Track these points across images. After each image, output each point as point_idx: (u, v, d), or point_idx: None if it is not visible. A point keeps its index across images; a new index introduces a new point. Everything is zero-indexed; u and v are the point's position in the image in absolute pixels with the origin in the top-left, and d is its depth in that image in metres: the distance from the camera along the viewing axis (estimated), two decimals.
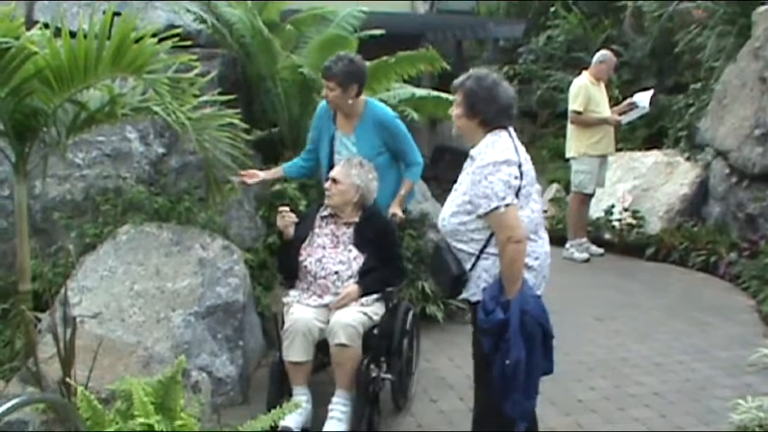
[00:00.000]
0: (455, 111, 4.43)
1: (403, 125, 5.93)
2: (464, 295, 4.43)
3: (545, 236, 4.48)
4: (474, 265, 4.32)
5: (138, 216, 6.41)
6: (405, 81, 8.27)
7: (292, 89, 7.77)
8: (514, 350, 4.10)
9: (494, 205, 4.13)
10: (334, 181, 5.48)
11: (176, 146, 6.91)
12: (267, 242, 7.07)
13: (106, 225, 6.37)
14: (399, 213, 5.77)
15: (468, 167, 4.38)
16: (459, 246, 4.35)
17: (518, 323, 4.10)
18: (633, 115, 10.45)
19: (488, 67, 16.33)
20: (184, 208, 6.55)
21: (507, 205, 4.13)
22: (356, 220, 5.48)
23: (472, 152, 4.35)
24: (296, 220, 5.53)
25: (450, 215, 4.37)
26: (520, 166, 4.24)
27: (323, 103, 6.05)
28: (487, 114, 4.33)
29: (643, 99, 10.30)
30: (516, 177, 4.20)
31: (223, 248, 6.16)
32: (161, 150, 6.90)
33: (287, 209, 5.57)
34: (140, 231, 6.17)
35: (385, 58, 7.68)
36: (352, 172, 5.49)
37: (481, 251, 4.29)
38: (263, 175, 6.17)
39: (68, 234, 6.41)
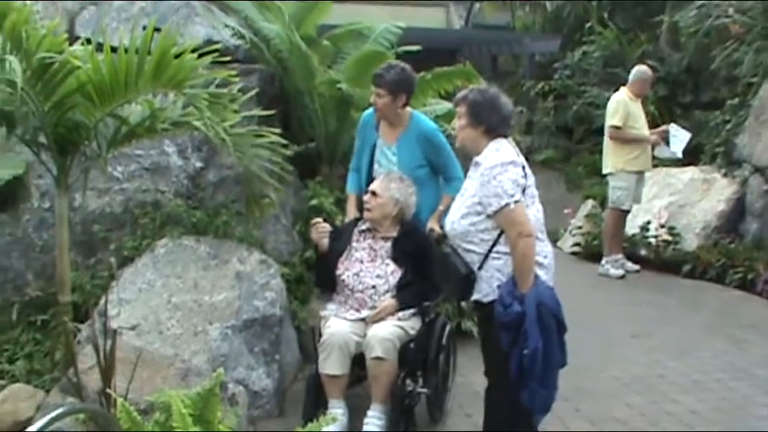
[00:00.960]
0: (459, 122, 4.63)
1: (445, 140, 5.93)
2: (476, 296, 4.56)
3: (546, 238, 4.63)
4: (483, 266, 4.47)
5: (177, 229, 6.44)
6: (441, 97, 8.27)
7: (329, 104, 7.79)
8: (531, 340, 4.26)
9: (504, 202, 4.33)
10: (374, 194, 5.50)
11: (214, 160, 6.94)
12: (304, 256, 7.09)
13: (144, 238, 6.41)
14: (437, 228, 5.72)
15: (473, 173, 4.59)
16: (469, 247, 4.51)
17: (535, 314, 4.27)
18: (665, 153, 10.39)
19: (524, 83, 16.43)
20: (222, 222, 6.56)
21: (516, 202, 4.34)
22: (394, 234, 5.50)
23: (477, 158, 4.57)
24: (329, 229, 5.56)
25: (461, 217, 4.53)
26: (524, 167, 4.48)
27: (367, 111, 6.09)
28: (491, 123, 4.55)
29: (678, 138, 10.21)
30: (523, 177, 4.43)
31: (260, 262, 6.18)
32: (199, 164, 6.92)
33: (320, 220, 5.62)
34: (178, 245, 6.21)
35: (422, 73, 7.63)
36: (391, 186, 5.51)
37: (490, 251, 4.44)
38: (352, 212, 6.10)
39: (107, 247, 6.44)
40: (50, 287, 6.00)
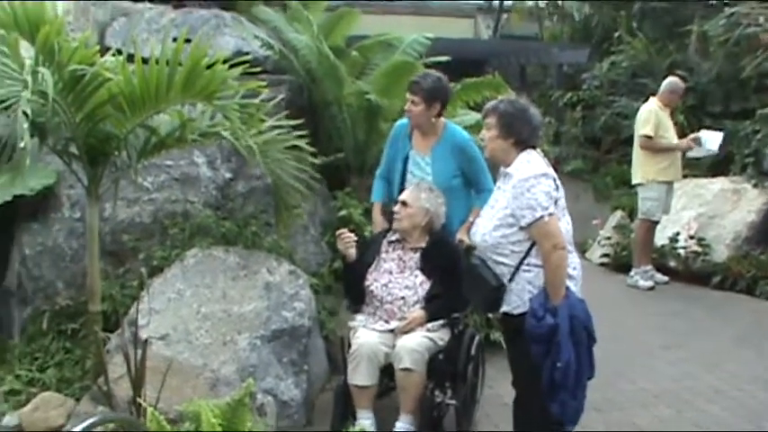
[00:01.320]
0: (489, 133, 4.62)
1: (479, 151, 5.85)
2: (505, 309, 4.56)
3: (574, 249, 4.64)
4: (513, 278, 4.48)
5: (206, 240, 6.45)
6: (469, 107, 8.28)
7: (358, 115, 7.82)
8: (564, 353, 4.28)
9: (538, 215, 4.34)
10: (404, 204, 5.49)
11: (243, 171, 6.95)
12: (333, 267, 7.12)
13: (174, 248, 6.42)
14: (466, 239, 5.60)
15: (502, 184, 4.61)
16: (500, 259, 4.51)
17: (567, 327, 4.28)
18: (701, 152, 10.30)
19: (552, 93, 16.38)
20: (251, 232, 6.57)
21: (550, 214, 4.36)
22: (423, 245, 5.49)
23: (507, 170, 4.56)
24: (355, 239, 5.56)
25: (492, 229, 4.53)
26: (555, 180, 4.49)
27: (401, 121, 6.09)
28: (522, 134, 4.55)
29: (711, 139, 10.12)
30: (555, 189, 4.45)
31: (289, 273, 6.19)
32: (228, 175, 6.94)
33: (345, 231, 5.62)
34: (208, 255, 6.22)
35: (451, 84, 7.64)
36: (421, 196, 5.50)
37: (521, 263, 4.45)
38: (378, 220, 6.10)
39: (137, 256, 6.46)
40: (80, 296, 6.07)
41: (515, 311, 4.49)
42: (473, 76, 8.28)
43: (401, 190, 5.80)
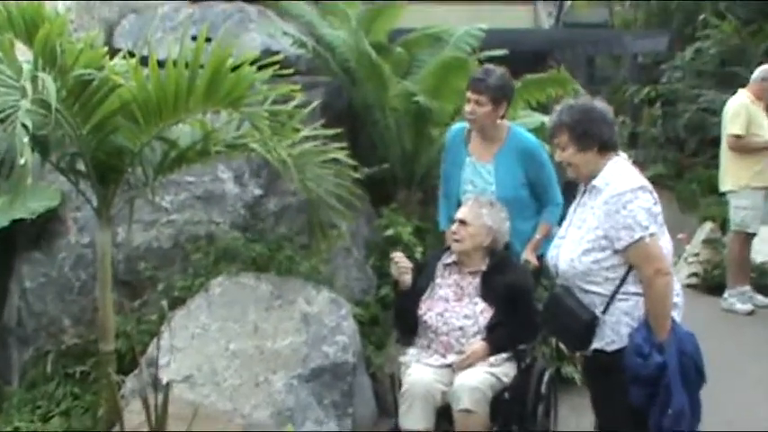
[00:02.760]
0: (563, 153, 4.55)
1: (548, 157, 5.85)
2: (597, 345, 4.45)
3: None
4: (607, 309, 4.37)
5: (233, 266, 6.42)
6: (531, 108, 8.18)
7: (405, 120, 7.80)
8: (676, 398, 4.18)
9: (638, 236, 4.25)
10: (463, 223, 5.45)
11: (275, 186, 6.97)
12: (379, 294, 7.11)
13: (197, 276, 6.40)
14: (534, 260, 5.70)
15: (589, 200, 4.49)
16: (591, 288, 4.41)
17: (677, 366, 4.18)
18: None
19: (626, 88, 16.26)
20: (285, 256, 6.54)
21: (651, 234, 4.29)
22: (483, 268, 5.44)
23: (595, 183, 4.47)
24: (411, 266, 5.52)
25: (582, 254, 4.42)
26: (652, 193, 4.39)
27: (456, 126, 6.07)
28: (603, 137, 4.47)
29: None
30: (654, 203, 4.36)
31: (330, 302, 6.17)
32: (258, 192, 6.94)
33: (400, 254, 5.59)
34: (236, 283, 6.19)
35: None
36: (482, 212, 5.47)
37: (616, 291, 4.35)
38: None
39: (155, 287, 6.43)
40: (90, 334, 6.12)
41: (609, 348, 4.39)
42: (534, 72, 8.19)
43: (458, 204, 5.77)
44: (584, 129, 4.46)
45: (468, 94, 5.79)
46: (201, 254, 6.58)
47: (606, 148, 4.47)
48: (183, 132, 5.42)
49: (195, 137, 5.42)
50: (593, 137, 4.46)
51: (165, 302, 5.66)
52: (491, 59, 7.49)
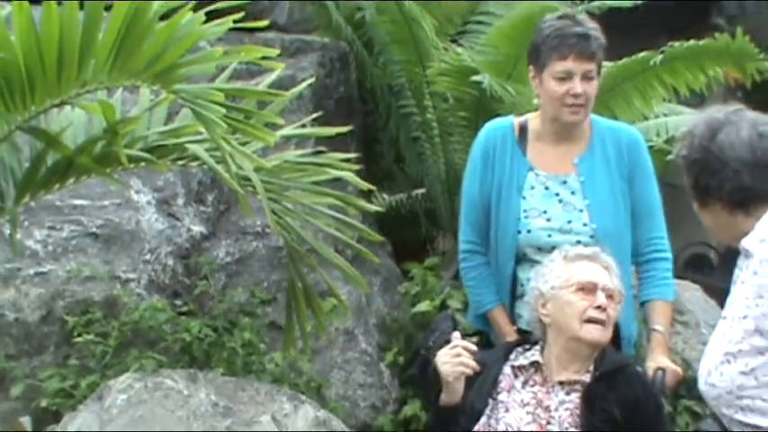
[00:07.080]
0: (708, 219, 3.48)
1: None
2: None
3: None
4: None
5: (149, 357, 5.22)
6: (679, 99, 6.65)
7: (457, 112, 6.34)
8: None
9: None
10: (611, 296, 3.97)
11: (227, 221, 5.99)
12: (402, 415, 5.89)
13: (85, 374, 5.25)
14: (672, 366, 4.18)
15: (741, 271, 3.41)
16: (743, 418, 3.27)
17: None
18: None
19: None
20: (241, 343, 5.39)
21: None
22: (586, 377, 3.98)
23: (744, 243, 3.38)
24: (476, 367, 3.95)
25: (720, 363, 3.29)
26: None
27: (495, 125, 4.49)
28: (722, 190, 3.37)
29: None
30: None
31: (315, 424, 5.07)
32: (198, 228, 5.83)
33: (458, 337, 3.98)
34: (153, 388, 5.01)
35: (642, 54, 6.01)
36: (613, 269, 4.03)
37: None
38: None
39: (7, 390, 5.30)
40: None
41: None
42: (686, 35, 6.31)
43: (518, 253, 4.24)
44: (706, 182, 3.40)
45: (569, 65, 4.13)
46: (94, 335, 5.33)
47: (732, 204, 3.39)
48: (73, 122, 4.17)
49: (90, 131, 4.16)
50: (708, 191, 3.43)
51: (25, 419, 4.91)
52: (612, 12, 5.92)
